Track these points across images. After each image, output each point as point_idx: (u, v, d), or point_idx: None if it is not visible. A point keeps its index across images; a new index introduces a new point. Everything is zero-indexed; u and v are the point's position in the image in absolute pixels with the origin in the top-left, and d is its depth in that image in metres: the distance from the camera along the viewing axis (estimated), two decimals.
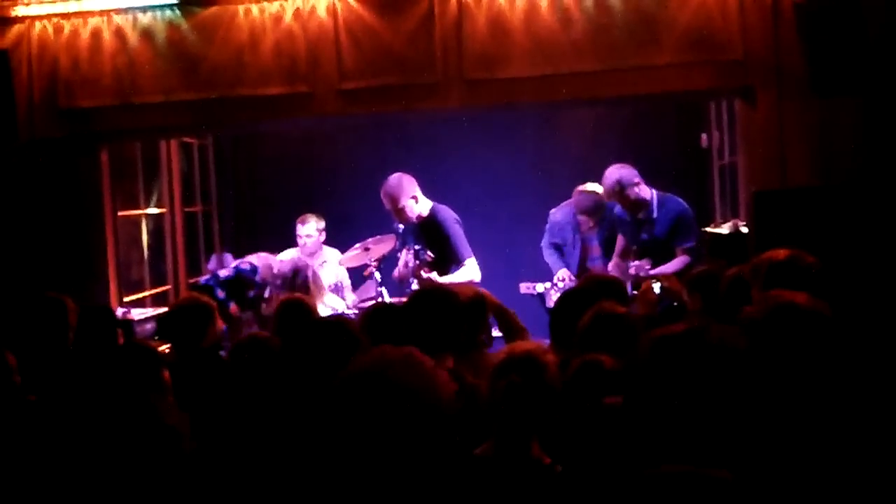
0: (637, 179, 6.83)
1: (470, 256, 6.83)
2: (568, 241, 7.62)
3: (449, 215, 6.94)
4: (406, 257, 6.99)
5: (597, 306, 3.90)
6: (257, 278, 6.80)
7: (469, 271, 6.76)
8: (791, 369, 2.55)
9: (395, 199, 6.80)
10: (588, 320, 3.82)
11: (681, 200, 6.95)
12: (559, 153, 9.21)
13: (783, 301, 2.75)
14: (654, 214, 6.88)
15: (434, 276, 6.71)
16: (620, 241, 7.18)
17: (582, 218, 7.57)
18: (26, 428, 3.25)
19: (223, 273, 6.90)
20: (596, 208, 7.47)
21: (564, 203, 7.73)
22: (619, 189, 6.84)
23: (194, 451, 2.60)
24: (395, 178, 6.87)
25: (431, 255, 6.73)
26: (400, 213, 6.86)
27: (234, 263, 7.01)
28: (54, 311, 4.46)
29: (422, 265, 6.71)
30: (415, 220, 6.89)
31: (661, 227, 6.86)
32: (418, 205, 6.87)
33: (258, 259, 6.89)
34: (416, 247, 6.79)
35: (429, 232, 6.90)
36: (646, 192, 6.86)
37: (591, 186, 7.48)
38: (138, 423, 2.40)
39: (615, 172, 6.87)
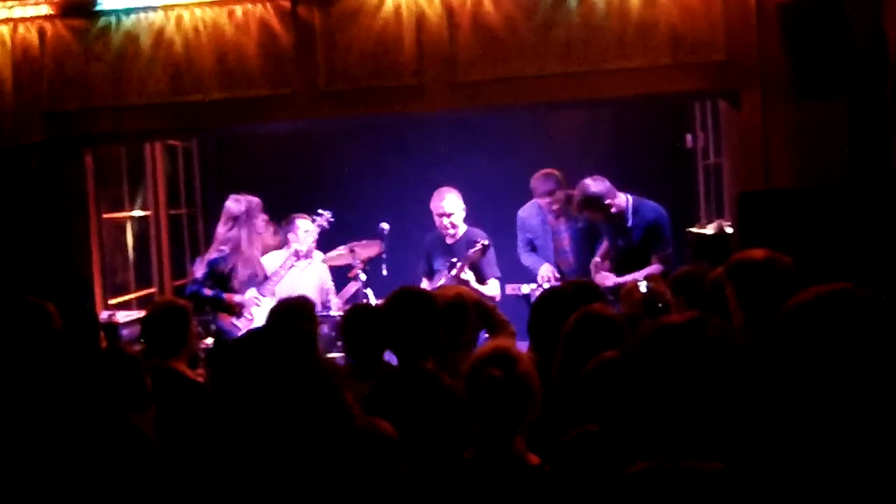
0: (609, 199, 6.79)
1: (495, 275, 7.08)
2: (538, 234, 7.58)
3: (485, 237, 7.27)
4: (443, 276, 7.18)
5: (583, 308, 3.89)
6: (231, 261, 6.78)
7: (491, 289, 7.16)
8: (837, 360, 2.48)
9: (453, 211, 7.14)
10: (574, 321, 3.81)
11: (655, 206, 6.92)
12: (545, 155, 9.18)
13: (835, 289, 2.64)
14: (629, 223, 6.86)
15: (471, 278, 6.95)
16: (605, 243, 7.18)
17: (544, 201, 7.44)
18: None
19: (199, 273, 6.89)
20: (555, 188, 7.37)
21: (530, 201, 7.71)
22: (590, 204, 6.79)
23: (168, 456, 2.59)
24: (451, 190, 7.16)
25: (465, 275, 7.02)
26: (452, 225, 7.11)
27: (205, 259, 6.98)
28: (35, 316, 4.43)
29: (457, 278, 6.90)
30: (451, 237, 7.14)
31: (636, 234, 6.86)
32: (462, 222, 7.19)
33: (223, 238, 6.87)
34: (453, 259, 7.01)
35: (462, 252, 7.12)
36: (621, 201, 6.84)
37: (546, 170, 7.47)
38: (105, 425, 2.41)
39: (591, 187, 6.82)
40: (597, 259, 7.17)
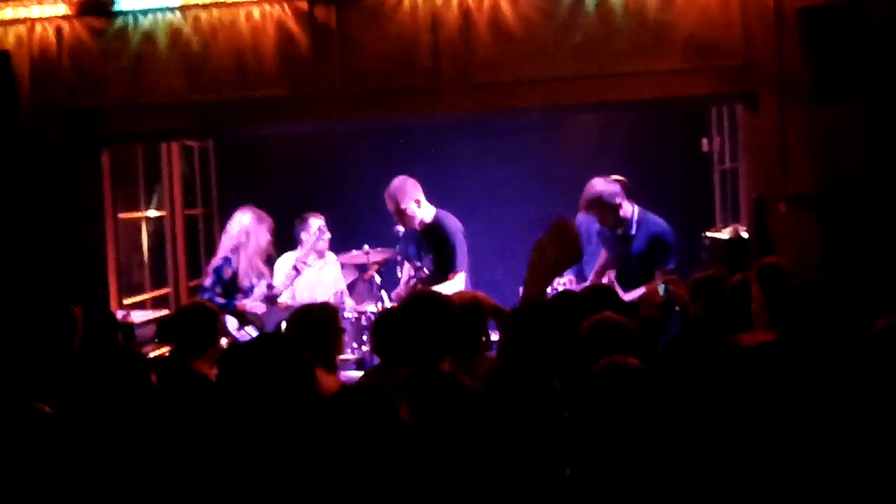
0: (619, 199, 6.60)
1: (463, 270, 6.73)
2: (593, 241, 7.33)
3: (455, 225, 6.87)
4: (408, 272, 6.97)
5: (599, 316, 3.88)
6: (234, 266, 6.86)
7: (455, 285, 6.60)
8: None
9: (397, 202, 6.79)
10: (587, 329, 3.79)
11: (661, 221, 6.70)
12: (562, 158, 9.20)
13: None
14: (632, 231, 6.66)
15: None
16: (602, 256, 7.04)
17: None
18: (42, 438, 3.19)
19: (207, 282, 6.93)
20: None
21: None
22: (599, 203, 6.64)
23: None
24: (398, 180, 6.87)
25: (428, 270, 6.71)
26: (402, 215, 6.84)
27: (211, 266, 7.02)
28: (63, 320, 4.44)
29: (418, 281, 6.68)
30: (417, 224, 6.87)
31: (637, 245, 6.63)
32: (421, 209, 6.84)
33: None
34: (418, 263, 6.78)
35: (431, 239, 6.87)
36: (627, 210, 6.65)
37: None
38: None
39: (598, 186, 6.63)
40: (592, 277, 7.01)
